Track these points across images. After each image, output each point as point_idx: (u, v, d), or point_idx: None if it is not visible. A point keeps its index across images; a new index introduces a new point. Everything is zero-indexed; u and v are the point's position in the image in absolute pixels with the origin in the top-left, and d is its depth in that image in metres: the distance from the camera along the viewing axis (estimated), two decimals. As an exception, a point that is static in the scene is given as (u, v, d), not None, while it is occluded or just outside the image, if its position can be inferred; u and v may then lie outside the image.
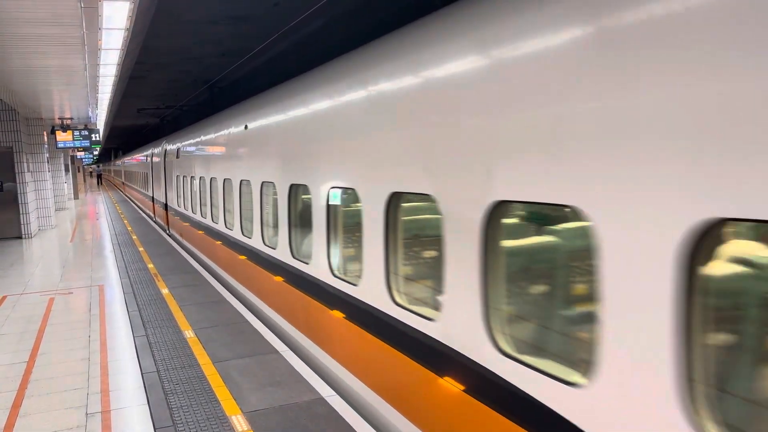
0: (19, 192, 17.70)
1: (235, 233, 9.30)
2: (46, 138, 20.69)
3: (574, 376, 2.91)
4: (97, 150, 47.02)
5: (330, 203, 5.66)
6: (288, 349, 6.56)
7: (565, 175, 2.79)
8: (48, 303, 9.21)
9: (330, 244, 5.70)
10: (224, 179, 9.94)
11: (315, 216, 5.98)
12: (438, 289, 3.93)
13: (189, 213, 13.68)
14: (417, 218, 4.54)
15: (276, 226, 7.31)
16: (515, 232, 3.46)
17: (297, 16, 10.69)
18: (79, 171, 49.69)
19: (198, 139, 12.27)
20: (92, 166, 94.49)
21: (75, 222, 22.16)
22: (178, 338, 7.08)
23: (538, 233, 3.33)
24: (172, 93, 21.40)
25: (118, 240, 16.28)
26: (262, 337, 7.00)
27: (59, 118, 19.64)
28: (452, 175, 3.67)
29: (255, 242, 8.23)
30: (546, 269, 3.36)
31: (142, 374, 5.94)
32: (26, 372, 6.22)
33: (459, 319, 3.66)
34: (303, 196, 6.65)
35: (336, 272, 5.58)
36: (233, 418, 4.89)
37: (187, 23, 11.08)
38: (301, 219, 6.76)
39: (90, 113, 18.44)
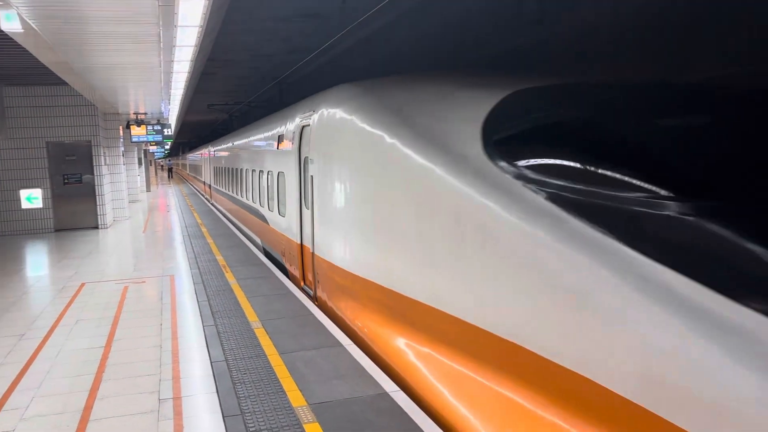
0: (96, 184, 18.49)
1: (228, 190, 19.69)
2: (121, 132, 21.55)
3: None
4: (168, 144, 48.70)
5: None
6: (351, 342, 6.60)
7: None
8: (122, 291, 9.59)
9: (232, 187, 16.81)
10: (227, 167, 19.87)
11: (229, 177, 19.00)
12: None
13: (215, 185, 25.13)
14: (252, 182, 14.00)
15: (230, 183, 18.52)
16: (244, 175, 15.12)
17: (364, 12, 10.73)
18: (151, 164, 51.58)
19: (219, 147, 23.43)
20: (163, 160, 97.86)
21: (147, 213, 23.00)
22: (246, 329, 7.23)
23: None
24: (241, 89, 21.90)
25: (188, 232, 16.80)
26: (326, 329, 7.06)
27: (134, 113, 20.39)
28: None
29: (227, 189, 19.59)
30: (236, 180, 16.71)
31: (211, 363, 6.10)
32: (103, 357, 6.49)
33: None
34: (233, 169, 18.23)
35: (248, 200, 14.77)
36: (299, 409, 4.95)
37: (259, 21, 11.30)
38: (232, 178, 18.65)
39: (163, 108, 19.08)
